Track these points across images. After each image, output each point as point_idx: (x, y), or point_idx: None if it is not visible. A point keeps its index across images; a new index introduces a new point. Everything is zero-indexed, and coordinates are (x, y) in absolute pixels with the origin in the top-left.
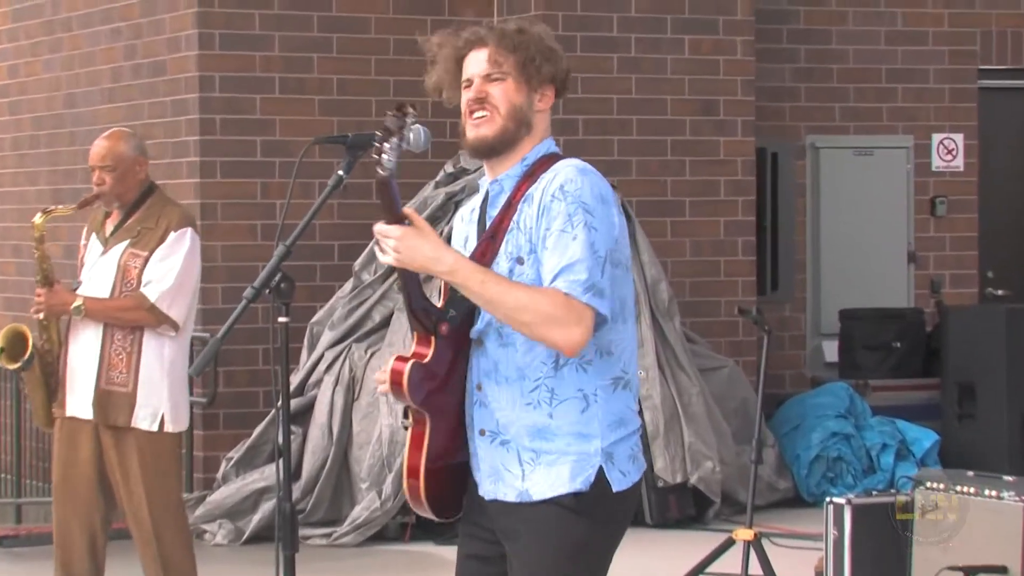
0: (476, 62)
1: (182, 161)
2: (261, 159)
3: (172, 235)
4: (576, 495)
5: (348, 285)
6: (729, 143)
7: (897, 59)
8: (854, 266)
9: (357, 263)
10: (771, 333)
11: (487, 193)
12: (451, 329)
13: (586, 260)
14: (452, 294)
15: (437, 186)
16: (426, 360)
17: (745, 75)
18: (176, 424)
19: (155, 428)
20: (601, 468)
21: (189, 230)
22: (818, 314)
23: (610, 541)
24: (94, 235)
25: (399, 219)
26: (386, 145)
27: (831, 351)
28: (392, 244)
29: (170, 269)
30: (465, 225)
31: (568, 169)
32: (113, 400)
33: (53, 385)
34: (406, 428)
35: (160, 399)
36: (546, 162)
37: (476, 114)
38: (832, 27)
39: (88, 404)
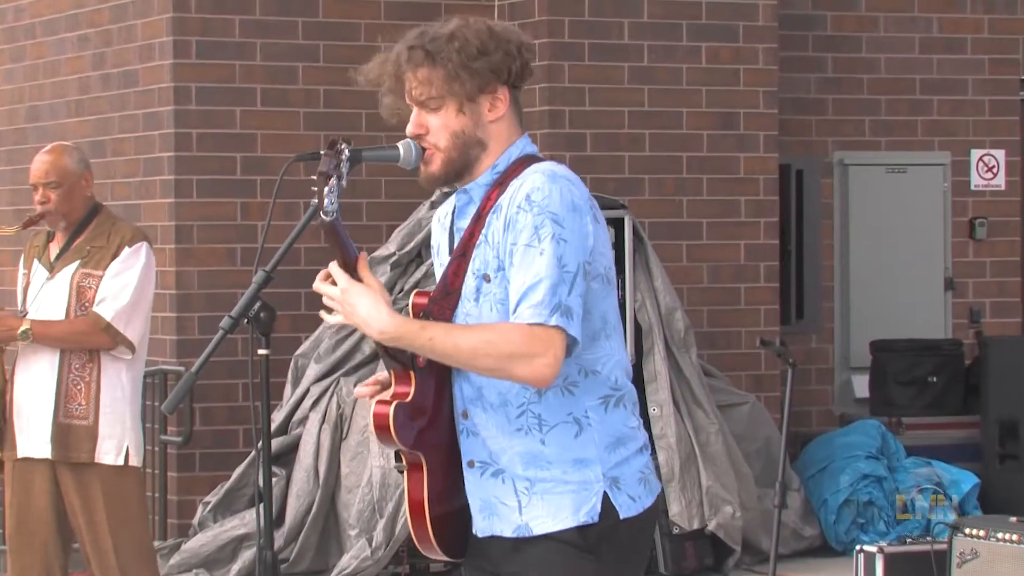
0: (413, 85)
1: (155, 179)
2: (241, 177)
3: (127, 250)
4: (581, 529)
5: None
6: (750, 159)
7: (933, 68)
8: (886, 294)
9: None
10: (796, 366)
11: (454, 204)
12: (428, 360)
13: (550, 278)
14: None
15: (433, 206)
16: (409, 398)
17: (767, 86)
18: (138, 457)
19: (120, 461)
20: (606, 495)
21: (144, 245)
22: (847, 346)
23: None
24: (36, 261)
25: (353, 263)
26: (325, 189)
27: (861, 386)
28: (335, 295)
29: (125, 285)
30: (439, 231)
31: (535, 176)
32: (74, 434)
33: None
34: (401, 472)
35: (124, 429)
36: (519, 166)
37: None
38: (862, 34)
39: (44, 441)
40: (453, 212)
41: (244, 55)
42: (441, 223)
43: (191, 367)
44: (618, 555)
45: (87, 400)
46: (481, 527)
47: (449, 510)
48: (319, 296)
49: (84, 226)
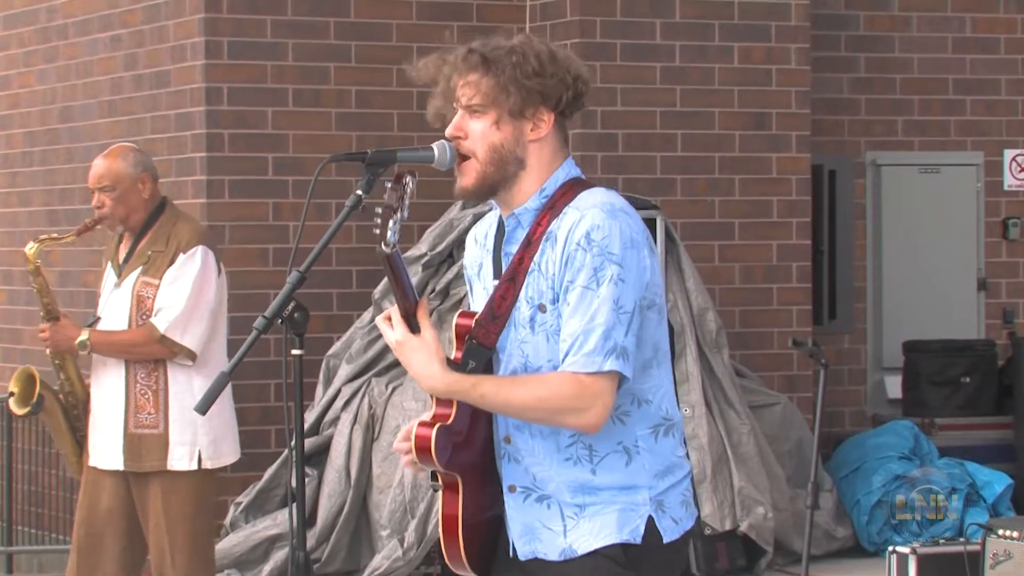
0: (463, 88)
1: (187, 180)
2: (273, 178)
3: (181, 257)
4: (624, 547)
5: (367, 315)
6: (782, 160)
7: (966, 68)
8: (919, 294)
9: (377, 291)
10: (828, 367)
11: (502, 225)
12: None
13: (605, 324)
14: (468, 344)
15: (464, 207)
16: (450, 420)
17: (800, 86)
18: (215, 460)
19: (193, 466)
20: (651, 518)
21: (200, 248)
22: (880, 346)
23: None
24: (109, 263)
25: (407, 300)
26: (390, 222)
27: (894, 387)
28: (392, 342)
29: (179, 294)
30: (480, 251)
31: (595, 212)
32: (144, 444)
33: (81, 431)
34: (436, 490)
35: (195, 435)
36: (569, 190)
37: (461, 157)
38: (895, 33)
39: (117, 452)
40: (498, 234)
41: (276, 55)
42: (482, 244)
43: (224, 367)
44: (656, 571)
45: (156, 409)
46: (524, 551)
47: (481, 530)
48: (351, 297)
49: (147, 229)
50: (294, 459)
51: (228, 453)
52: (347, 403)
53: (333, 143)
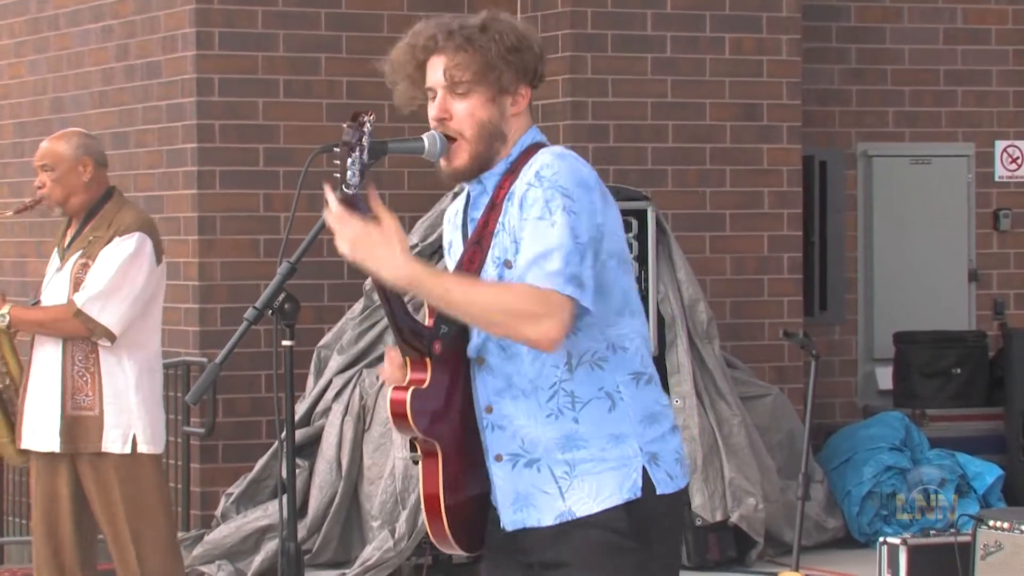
0: (434, 69)
1: (178, 170)
2: (264, 168)
3: (116, 239)
4: (627, 507)
5: (358, 305)
6: (773, 151)
7: (957, 59)
8: (910, 285)
9: (368, 282)
10: (819, 358)
11: (468, 194)
12: (444, 346)
13: (564, 247)
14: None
15: (455, 197)
16: (425, 385)
17: (791, 77)
18: (151, 445)
19: (127, 450)
20: (645, 471)
21: (137, 235)
22: (871, 338)
23: (670, 560)
24: (56, 248)
25: (364, 200)
26: (348, 160)
27: (885, 378)
28: (349, 235)
29: (104, 273)
30: (451, 229)
31: (543, 155)
32: (82, 426)
33: (13, 414)
34: (416, 462)
35: (130, 418)
36: (528, 154)
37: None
38: (886, 24)
39: (54, 435)
40: (466, 207)
41: (267, 46)
42: (452, 221)
43: (214, 358)
44: (659, 537)
45: (93, 391)
46: (512, 520)
47: (464, 503)
48: (342, 287)
49: (93, 214)
50: (285, 450)
51: (158, 442)
52: (338, 394)
53: (324, 134)
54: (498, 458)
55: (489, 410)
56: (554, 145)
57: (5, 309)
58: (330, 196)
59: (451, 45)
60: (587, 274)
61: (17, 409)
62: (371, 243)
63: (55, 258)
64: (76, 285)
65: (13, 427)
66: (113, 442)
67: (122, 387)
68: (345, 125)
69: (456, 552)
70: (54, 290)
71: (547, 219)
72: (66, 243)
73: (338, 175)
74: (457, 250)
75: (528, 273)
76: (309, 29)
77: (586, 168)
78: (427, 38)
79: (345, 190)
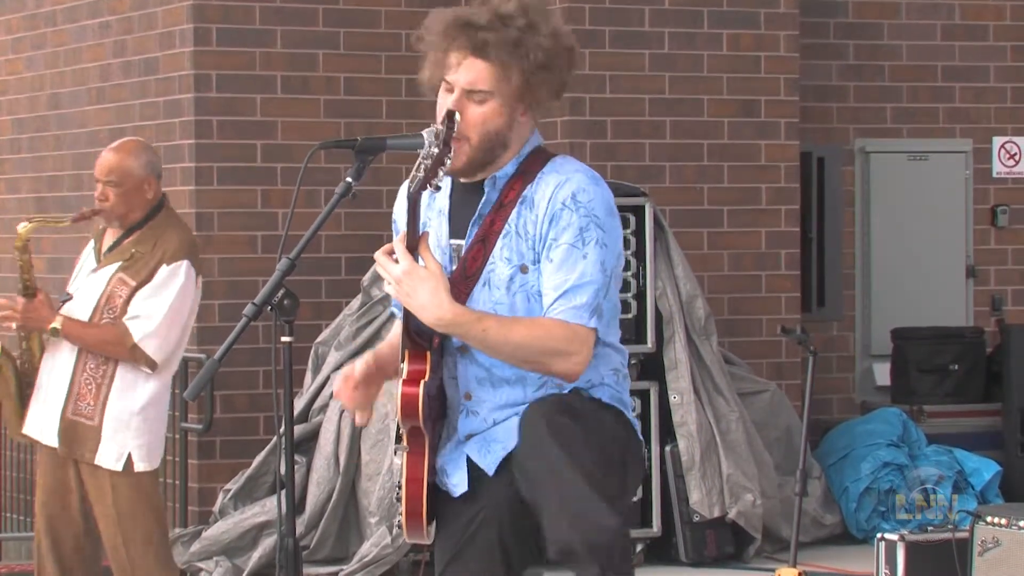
0: (467, 71)
1: (176, 167)
2: (262, 165)
3: (164, 269)
4: (576, 390)
5: (356, 302)
6: (771, 147)
7: (955, 55)
8: (908, 281)
9: (366, 278)
10: (817, 354)
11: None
12: (440, 340)
13: (595, 283)
14: None
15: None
16: (427, 377)
17: (789, 73)
18: (147, 463)
19: (119, 467)
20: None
21: (184, 263)
22: (868, 334)
23: (624, 439)
24: (91, 245)
25: (416, 244)
26: (447, 159)
27: (882, 374)
28: (395, 275)
29: (158, 308)
30: (425, 209)
31: (580, 177)
32: (79, 432)
33: (27, 398)
34: (405, 451)
35: (126, 437)
36: (536, 158)
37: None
38: (884, 21)
39: (53, 432)
40: (453, 194)
41: (265, 43)
42: (426, 204)
43: (212, 354)
44: (595, 423)
45: (95, 401)
46: (488, 463)
47: (432, 491)
48: (340, 284)
49: (140, 226)
50: (283, 446)
51: (155, 459)
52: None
53: (322, 130)
54: (467, 438)
55: (468, 397)
56: (561, 155)
57: (58, 323)
58: (399, 246)
59: (473, 48)
60: (606, 305)
61: (31, 391)
62: (419, 282)
63: (90, 256)
64: (109, 298)
65: (24, 406)
66: (107, 458)
67: (129, 406)
68: (438, 125)
69: (425, 541)
70: (86, 291)
71: (580, 249)
72: (105, 247)
73: (420, 175)
74: (443, 234)
75: (557, 303)
76: (307, 25)
77: (610, 193)
78: (457, 31)
79: (432, 189)
